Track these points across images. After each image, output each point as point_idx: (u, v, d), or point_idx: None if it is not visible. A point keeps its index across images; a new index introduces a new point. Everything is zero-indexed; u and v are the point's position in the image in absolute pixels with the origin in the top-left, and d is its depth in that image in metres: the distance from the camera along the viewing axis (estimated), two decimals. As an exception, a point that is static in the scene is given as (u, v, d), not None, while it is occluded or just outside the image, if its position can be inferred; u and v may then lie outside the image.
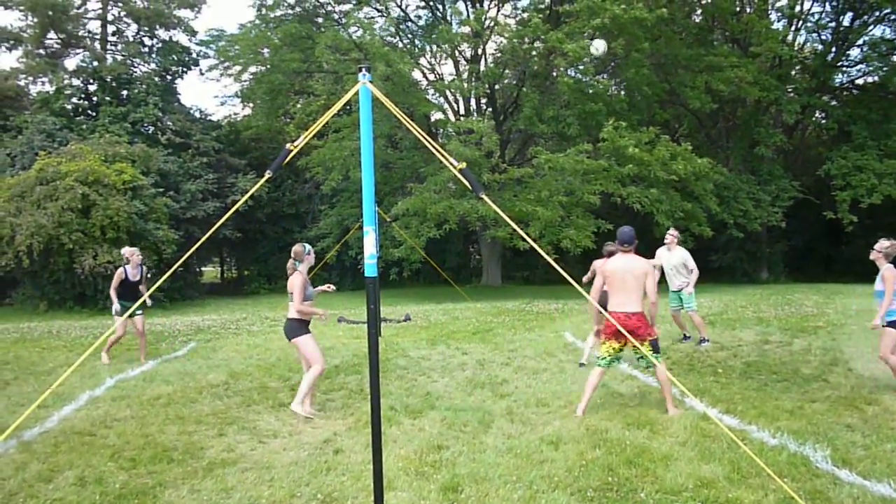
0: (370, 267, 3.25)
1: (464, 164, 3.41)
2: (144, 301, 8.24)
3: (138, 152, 23.85)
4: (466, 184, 3.37)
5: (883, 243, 7.35)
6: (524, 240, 4.42)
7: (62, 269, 20.31)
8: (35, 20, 29.34)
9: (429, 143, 3.55)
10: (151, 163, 24.37)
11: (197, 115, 32.12)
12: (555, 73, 25.63)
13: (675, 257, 10.64)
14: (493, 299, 20.91)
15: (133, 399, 7.78)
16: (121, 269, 10.57)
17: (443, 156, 3.42)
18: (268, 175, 3.56)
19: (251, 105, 32.28)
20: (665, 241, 10.77)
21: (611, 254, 9.24)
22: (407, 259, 23.01)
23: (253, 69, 28.60)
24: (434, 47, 27.98)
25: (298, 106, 31.38)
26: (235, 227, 27.74)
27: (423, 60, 28.17)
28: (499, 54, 28.38)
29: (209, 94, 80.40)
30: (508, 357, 9.96)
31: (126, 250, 10.87)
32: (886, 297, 7.07)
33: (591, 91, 24.54)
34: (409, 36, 28.57)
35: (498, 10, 28.16)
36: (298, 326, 6.94)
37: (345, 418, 6.76)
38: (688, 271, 10.56)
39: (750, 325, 12.60)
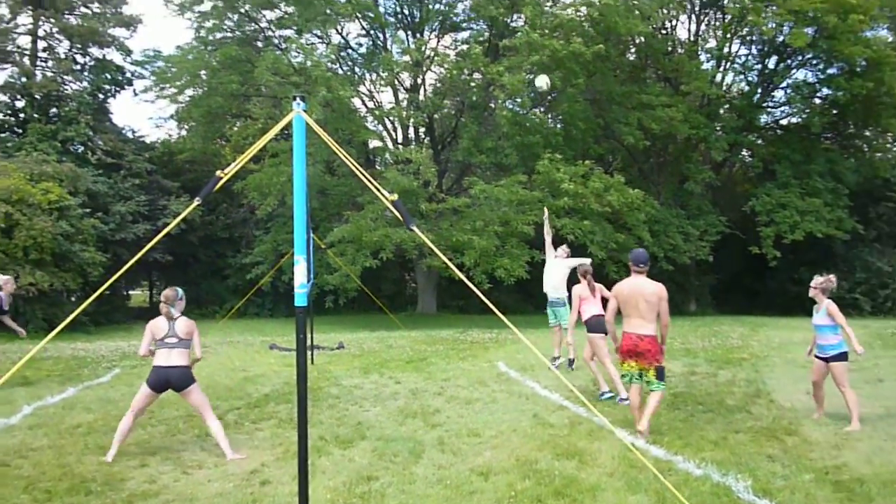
0: (300, 297, 3.22)
1: (395, 196, 3.43)
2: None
3: (66, 172, 23.13)
4: (398, 215, 3.38)
5: (818, 279, 7.64)
6: (455, 273, 4.44)
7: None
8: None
9: (362, 173, 3.56)
10: (80, 183, 23.66)
11: (130, 135, 31.42)
12: (493, 105, 26.02)
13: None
14: (428, 328, 20.89)
15: (51, 427, 7.50)
16: None
17: (376, 187, 3.43)
18: (196, 202, 3.51)
19: (186, 127, 31.74)
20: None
21: (585, 274, 9.37)
22: (342, 287, 22.88)
23: (190, 91, 28.16)
24: (374, 75, 28.13)
25: (235, 129, 31.07)
26: (166, 250, 27.05)
27: (362, 88, 28.27)
28: (438, 84, 28.70)
29: (143, 114, 78.90)
30: (441, 386, 9.95)
31: (1, 278, 10.63)
32: (845, 328, 7.32)
33: (528, 124, 24.99)
34: (350, 63, 28.64)
35: (438, 41, 28.54)
36: (192, 374, 6.53)
37: (273, 448, 6.64)
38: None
39: (678, 356, 12.87)
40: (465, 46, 27.21)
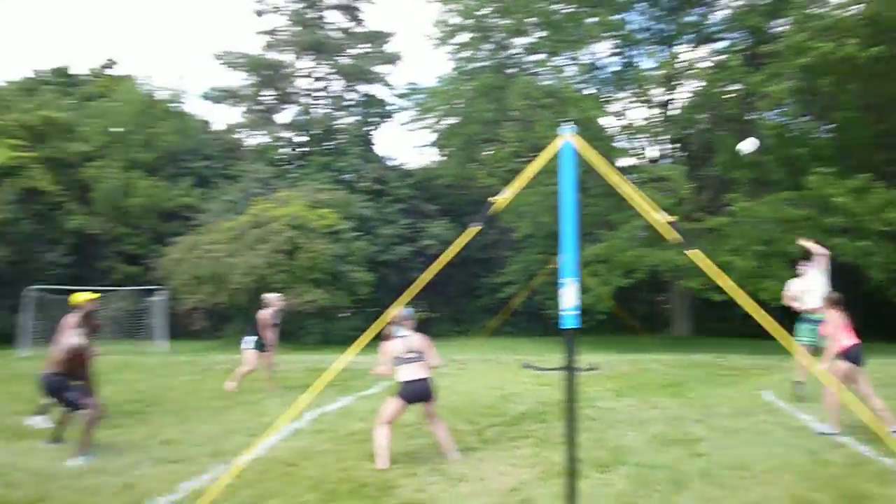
0: (569, 318, 3.24)
1: (673, 218, 3.35)
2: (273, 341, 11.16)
3: (339, 199, 25.42)
4: (678, 237, 3.30)
5: None
6: (728, 295, 4.22)
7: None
8: (254, 79, 32.39)
9: (634, 197, 3.52)
10: (350, 209, 25.88)
11: (392, 163, 33.85)
12: (752, 116, 24.48)
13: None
14: (683, 351, 20.01)
15: (331, 433, 8.20)
16: (267, 312, 12.00)
17: (649, 208, 3.38)
18: (473, 227, 3.67)
19: (444, 154, 33.49)
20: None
21: (833, 302, 8.57)
22: (594, 307, 22.67)
23: (447, 119, 29.73)
24: (624, 93, 27.73)
25: (489, 153, 32.19)
26: (425, 269, 28.67)
27: (612, 107, 27.98)
28: (692, 98, 27.60)
29: (403, 143, 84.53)
30: (701, 414, 9.47)
31: (271, 296, 12.33)
32: None
33: (792, 135, 23.17)
34: (599, 83, 28.52)
35: (692, 53, 27.46)
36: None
37: (532, 467, 6.71)
38: None
39: None
40: (721, 57, 25.94)
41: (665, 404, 10.30)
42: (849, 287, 25.96)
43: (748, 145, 8.95)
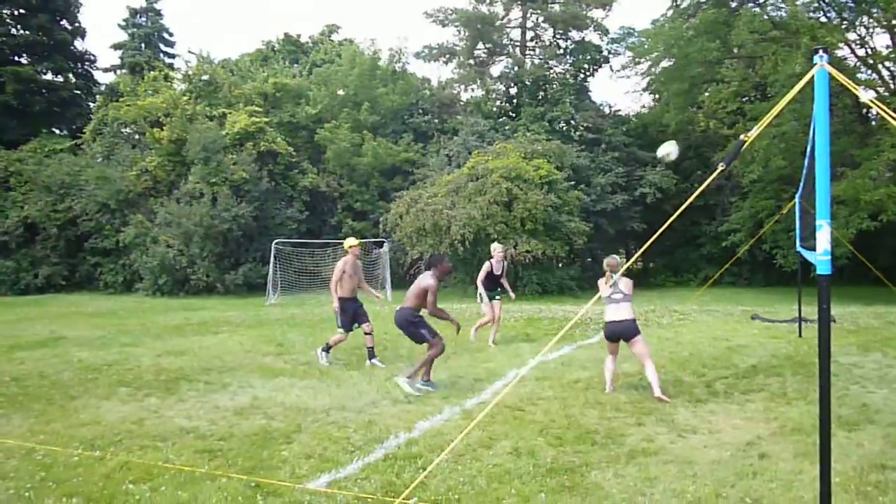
0: (823, 264, 3.01)
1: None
2: (505, 289, 11.44)
3: (554, 149, 25.30)
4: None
5: None
6: None
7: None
8: (466, 34, 32.82)
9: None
10: (565, 158, 25.68)
11: (607, 111, 33.00)
12: None
13: None
14: (940, 304, 17.98)
15: (554, 381, 8.31)
16: (487, 264, 11.87)
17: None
18: (721, 167, 3.50)
19: (661, 98, 32.13)
20: None
21: None
22: (832, 253, 20.89)
23: (664, 63, 28.43)
24: (866, 18, 24.84)
25: (706, 94, 30.43)
26: (641, 218, 28.02)
27: (851, 35, 25.21)
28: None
29: (618, 90, 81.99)
30: (967, 373, 8.49)
31: (494, 246, 12.23)
32: None
33: None
34: (836, 9, 25.76)
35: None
36: (637, 326, 7.58)
37: (768, 422, 6.39)
38: None
39: None
40: None
41: (921, 361, 9.34)
42: None
43: (666, 149, 7.12)
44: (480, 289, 11.85)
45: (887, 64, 24.44)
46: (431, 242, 22.28)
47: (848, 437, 5.88)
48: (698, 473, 5.03)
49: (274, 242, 23.04)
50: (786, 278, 25.01)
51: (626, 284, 7.51)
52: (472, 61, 33.65)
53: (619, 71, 32.69)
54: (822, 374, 3.07)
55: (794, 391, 7.59)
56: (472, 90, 33.95)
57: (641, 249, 6.17)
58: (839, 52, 23.86)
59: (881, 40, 35.04)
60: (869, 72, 25.13)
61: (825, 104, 2.97)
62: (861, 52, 25.07)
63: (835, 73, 2.97)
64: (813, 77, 2.90)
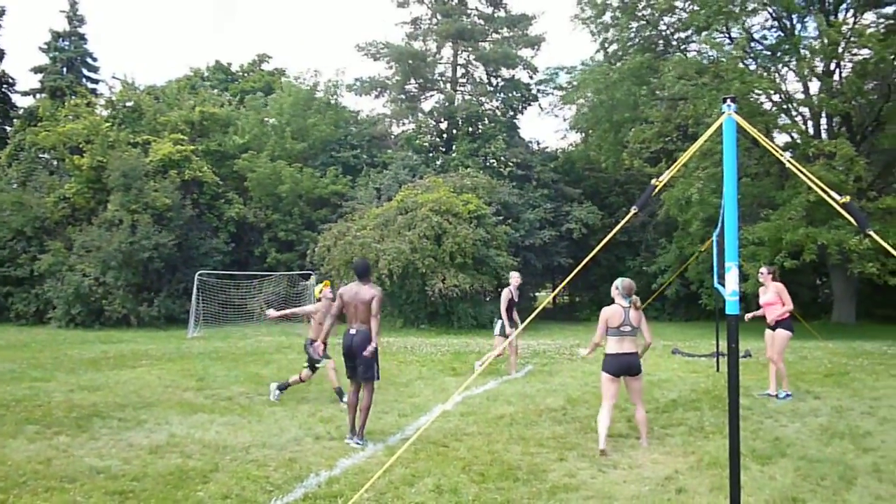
0: (731, 304, 3.12)
1: (847, 198, 3.14)
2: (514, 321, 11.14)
3: (484, 184, 25.63)
4: (851, 219, 3.09)
5: None
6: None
7: (416, 291, 22.47)
8: (398, 68, 33.12)
9: (804, 174, 3.33)
10: (495, 194, 26.03)
11: (535, 147, 33.68)
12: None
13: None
14: (847, 339, 18.78)
15: (479, 416, 8.31)
16: (507, 291, 11.75)
17: (824, 189, 3.19)
18: (634, 210, 3.60)
19: (586, 135, 32.98)
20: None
21: None
22: (751, 292, 21.65)
23: (592, 102, 29.29)
24: (782, 66, 26.16)
25: (630, 134, 31.43)
26: (568, 253, 28.55)
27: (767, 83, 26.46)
28: (858, 67, 25.63)
29: (546, 127, 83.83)
30: (871, 406, 8.85)
31: (513, 274, 12.15)
32: None
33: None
34: (753, 57, 27.05)
35: (856, 20, 25.48)
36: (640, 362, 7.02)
37: (686, 456, 6.53)
38: None
39: None
40: (890, 22, 23.88)
41: (829, 395, 9.71)
42: None
43: None
44: (504, 319, 11.55)
45: (801, 110, 25.72)
46: (360, 275, 22.17)
47: (761, 471, 6.04)
48: (617, 509, 5.09)
49: (197, 274, 22.51)
50: (706, 313, 25.75)
51: (635, 317, 6.91)
52: (403, 96, 33.92)
53: (547, 110, 33.52)
54: (731, 410, 3.16)
55: (711, 425, 7.77)
56: (404, 124, 34.20)
57: (561, 285, 6.30)
58: (762, 98, 25.03)
59: (798, 87, 36.91)
60: (784, 117, 26.39)
61: (733, 150, 3.10)
62: (777, 98, 26.36)
63: (741, 121, 3.10)
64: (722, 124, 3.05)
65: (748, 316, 10.39)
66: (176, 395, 9.77)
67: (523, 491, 5.50)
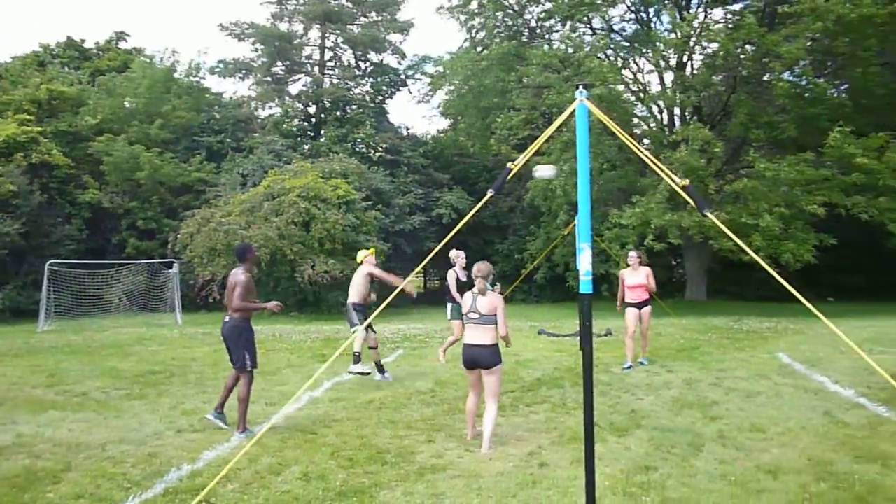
0: (585, 283, 3.24)
1: (686, 181, 3.33)
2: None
3: (353, 169, 25.44)
4: (690, 201, 3.28)
5: None
6: (749, 254, 4.18)
7: (285, 278, 22.06)
8: (264, 50, 32.26)
9: (649, 159, 3.50)
10: (364, 179, 25.90)
11: (404, 133, 33.75)
12: (768, 77, 24.16)
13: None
14: (699, 315, 20.02)
15: (349, 401, 8.29)
16: (452, 272, 11.42)
17: (666, 172, 3.36)
18: (490, 193, 3.67)
19: (456, 123, 33.38)
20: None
21: None
22: (614, 274, 22.67)
23: (461, 87, 29.64)
24: (638, 58, 27.43)
25: (499, 120, 32.11)
26: (438, 238, 28.86)
27: (626, 73, 27.71)
28: (707, 60, 27.23)
29: (416, 112, 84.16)
30: (717, 377, 9.50)
31: (455, 253, 11.62)
32: None
33: (809, 95, 22.86)
34: (613, 48, 28.20)
35: (706, 14, 27.05)
36: (498, 354, 6.34)
37: (548, 432, 6.77)
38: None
39: None
40: (737, 17, 25.51)
41: (681, 368, 10.33)
42: (873, 245, 25.82)
43: (545, 171, 8.50)
44: (458, 298, 10.82)
45: (659, 102, 27.05)
46: (225, 263, 21.48)
47: (618, 442, 6.36)
48: (483, 486, 5.21)
49: (48, 264, 21.09)
50: (572, 295, 26.74)
51: (486, 303, 6.28)
52: (269, 78, 33.11)
53: (417, 96, 33.71)
54: (585, 385, 3.29)
55: (572, 401, 8.09)
56: (270, 108, 33.41)
57: (415, 271, 6.34)
58: (620, 88, 26.08)
59: (654, 78, 38.81)
60: (642, 108, 27.69)
61: (585, 136, 3.21)
62: (635, 89, 27.59)
63: (593, 108, 3.22)
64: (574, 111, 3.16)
65: (619, 306, 10.90)
66: (24, 393, 9.16)
67: (392, 474, 5.54)
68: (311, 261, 21.69)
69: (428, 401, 8.24)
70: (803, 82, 23.08)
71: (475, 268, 6.50)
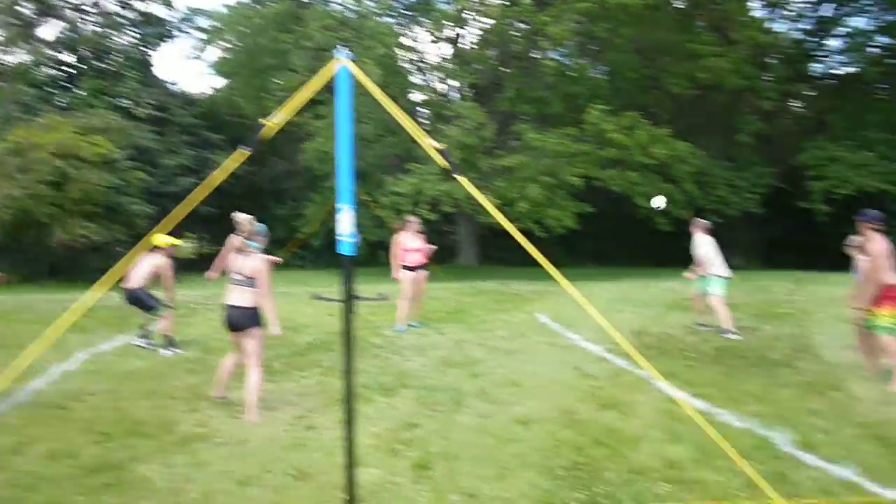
0: (346, 245, 3.25)
1: (443, 145, 3.43)
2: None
3: (114, 126, 23.52)
4: (444, 164, 3.38)
5: (852, 238, 8.23)
6: (502, 224, 4.42)
7: (34, 243, 20.07)
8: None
9: (406, 123, 3.56)
10: (127, 137, 24.06)
11: (175, 90, 31.75)
12: (537, 55, 25.61)
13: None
14: (470, 279, 20.95)
15: (106, 373, 7.77)
16: (396, 237, 10.91)
17: (421, 135, 3.44)
18: (244, 151, 3.56)
19: (231, 80, 31.97)
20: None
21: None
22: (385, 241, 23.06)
23: (236, 43, 28.38)
24: (418, 28, 27.83)
25: (278, 82, 31.22)
26: (212, 203, 27.59)
27: (405, 41, 28.00)
28: (482, 34, 28.27)
29: (188, 69, 79.53)
30: (483, 337, 10.03)
31: (242, 217, 10.78)
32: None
33: (573, 74, 24.58)
34: (393, 15, 28.37)
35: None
36: (256, 317, 6.21)
37: (318, 395, 6.80)
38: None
39: (722, 310, 12.76)
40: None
41: (450, 330, 10.77)
42: (624, 215, 28.28)
43: (658, 201, 10.15)
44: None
45: (435, 71, 27.67)
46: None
47: (386, 402, 6.52)
48: (249, 452, 5.14)
49: None
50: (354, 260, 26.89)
51: (250, 266, 6.15)
52: (15, 20, 29.56)
53: (189, 52, 31.79)
54: (345, 346, 3.33)
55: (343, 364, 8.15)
56: (16, 53, 29.89)
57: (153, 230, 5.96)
58: (399, 56, 26.32)
59: (432, 48, 39.51)
60: (421, 77, 28.19)
61: (347, 98, 3.20)
62: (414, 58, 27.99)
63: (356, 70, 3.22)
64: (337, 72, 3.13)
65: (396, 273, 10.99)
66: None
67: (151, 446, 5.30)
68: (65, 225, 19.88)
69: (193, 369, 7.93)
70: (568, 62, 24.74)
71: (241, 227, 6.34)
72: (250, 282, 6.12)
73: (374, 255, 25.71)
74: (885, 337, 7.11)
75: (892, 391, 6.84)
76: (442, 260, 29.52)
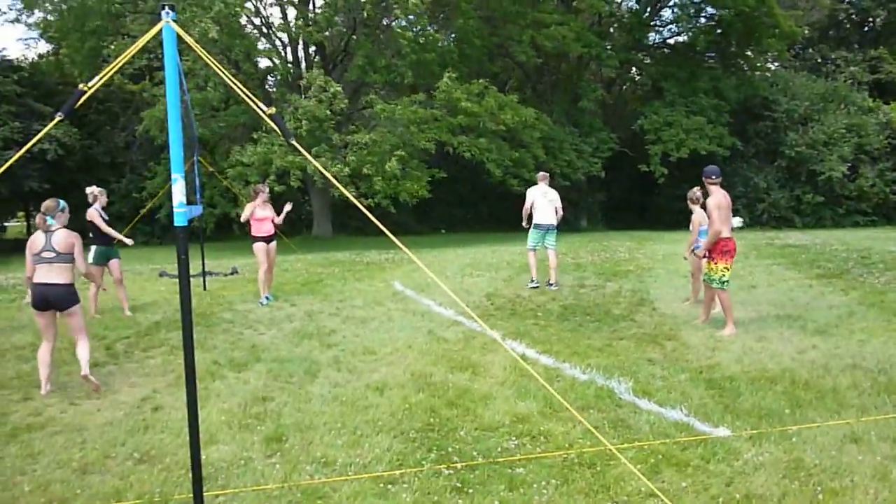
0: (179, 216, 3.11)
1: (273, 110, 3.33)
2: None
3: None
4: (277, 129, 3.29)
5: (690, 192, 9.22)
6: (346, 195, 4.37)
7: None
8: None
9: (236, 86, 3.43)
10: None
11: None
12: (387, 22, 25.43)
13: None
14: (324, 250, 20.77)
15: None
16: (94, 210, 9.68)
17: (253, 100, 3.32)
18: (59, 117, 3.31)
19: (58, 45, 29.70)
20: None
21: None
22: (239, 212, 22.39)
23: (59, 6, 26.31)
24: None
25: (112, 47, 29.32)
26: (42, 177, 25.66)
27: (249, 4, 26.98)
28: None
29: (7, 34, 72.71)
30: (337, 307, 9.97)
31: (95, 189, 9.90)
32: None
33: (423, 41, 24.58)
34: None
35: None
36: (75, 293, 6.08)
37: (165, 375, 6.53)
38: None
39: (568, 270, 13.33)
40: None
41: (303, 301, 10.62)
42: (476, 181, 28.91)
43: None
44: (119, 236, 10.15)
45: (280, 35, 26.84)
46: None
47: (237, 377, 6.35)
48: (88, 439, 4.86)
49: None
50: (194, 234, 25.89)
51: (62, 240, 5.94)
52: None
53: (6, 14, 29.16)
54: (184, 321, 3.20)
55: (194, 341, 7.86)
56: None
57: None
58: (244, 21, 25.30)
59: (278, 12, 38.29)
60: (265, 42, 27.27)
61: (173, 58, 3.04)
62: (258, 21, 27.02)
63: (180, 31, 3.06)
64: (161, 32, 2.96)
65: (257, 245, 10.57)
66: None
67: (-24, 440, 4.90)
68: None
69: (27, 356, 7.39)
70: (418, 30, 24.72)
71: (43, 205, 6.10)
72: (66, 258, 5.97)
73: (226, 227, 24.92)
74: (717, 290, 7.69)
75: (721, 337, 7.40)
76: (297, 231, 29.16)
